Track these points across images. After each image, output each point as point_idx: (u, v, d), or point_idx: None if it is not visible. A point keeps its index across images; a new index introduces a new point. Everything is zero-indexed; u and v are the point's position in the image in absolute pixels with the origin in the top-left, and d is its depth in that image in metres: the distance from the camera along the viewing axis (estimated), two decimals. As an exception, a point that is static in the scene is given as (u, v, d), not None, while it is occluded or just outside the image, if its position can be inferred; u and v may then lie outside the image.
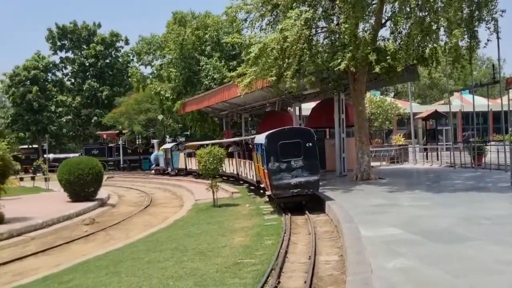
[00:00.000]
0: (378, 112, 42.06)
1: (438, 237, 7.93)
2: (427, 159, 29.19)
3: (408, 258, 6.67)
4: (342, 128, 23.36)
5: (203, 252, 10.15)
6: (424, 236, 8.07)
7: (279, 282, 7.28)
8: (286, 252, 9.20)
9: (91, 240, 14.72)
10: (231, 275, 7.89)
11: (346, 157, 23.25)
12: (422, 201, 12.62)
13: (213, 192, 18.79)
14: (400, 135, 40.00)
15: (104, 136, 52.28)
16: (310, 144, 13.71)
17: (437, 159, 27.80)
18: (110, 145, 52.46)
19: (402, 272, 5.92)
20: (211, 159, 18.10)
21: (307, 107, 31.48)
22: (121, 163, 50.99)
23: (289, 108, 38.61)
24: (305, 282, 7.12)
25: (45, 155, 60.61)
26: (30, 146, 62.37)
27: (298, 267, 8.22)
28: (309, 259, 8.48)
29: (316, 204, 14.70)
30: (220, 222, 14.40)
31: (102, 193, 26.96)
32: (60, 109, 58.46)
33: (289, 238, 10.52)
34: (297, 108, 28.32)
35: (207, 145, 35.28)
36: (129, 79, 45.13)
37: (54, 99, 58.60)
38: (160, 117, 43.64)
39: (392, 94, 71.06)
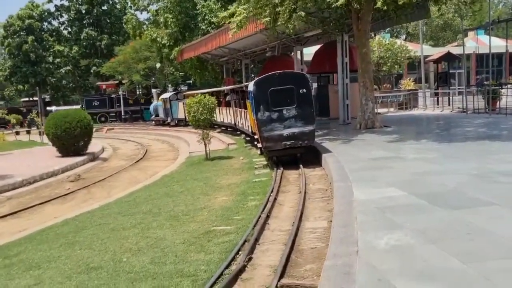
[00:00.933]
0: (387, 55, 39.92)
1: (445, 201, 6.55)
2: (437, 104, 27.45)
3: (406, 232, 5.32)
4: (346, 73, 21.61)
5: (177, 216, 8.95)
6: (429, 199, 6.69)
7: (250, 259, 6.05)
8: (267, 217, 7.96)
9: (69, 200, 13.66)
10: (197, 248, 6.68)
11: (350, 104, 21.66)
12: (429, 153, 11.17)
13: (205, 144, 17.53)
14: (409, 80, 38.01)
15: (104, 87, 50.72)
16: (304, 90, 12.15)
17: (448, 105, 26.07)
18: (111, 96, 51.08)
19: (396, 255, 4.59)
20: (201, 109, 16.66)
21: (311, 52, 29.54)
22: (123, 114, 49.80)
23: (292, 53, 36.84)
24: (280, 258, 5.88)
25: (47, 108, 59.91)
26: (31, 99, 61.24)
27: (278, 237, 6.97)
28: (293, 225, 7.21)
29: (313, 156, 13.37)
30: (207, 178, 13.19)
31: (96, 146, 25.95)
32: (58, 59, 56.72)
33: (275, 199, 9.26)
34: (299, 52, 26.46)
35: (205, 93, 34.09)
36: (125, 25, 42.85)
37: (52, 50, 56.76)
38: (158, 65, 41.85)
39: (403, 37, 67.90)
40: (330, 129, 19.13)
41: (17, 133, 36.49)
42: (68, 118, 21.39)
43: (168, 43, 36.43)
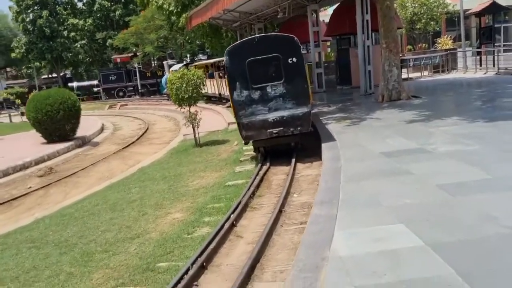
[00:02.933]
0: (422, 11, 35.47)
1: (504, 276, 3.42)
2: (480, 65, 23.34)
3: None
4: (367, 33, 18.01)
5: (91, 254, 6.21)
6: (469, 268, 3.57)
7: None
8: (203, 267, 5.05)
9: (15, 206, 11.18)
10: None
11: (372, 71, 18.14)
12: (468, 142, 7.84)
13: (193, 129, 14.68)
14: (447, 37, 33.49)
15: (118, 60, 48.27)
16: (294, 59, 8.94)
17: (493, 65, 21.98)
18: (128, 69, 48.74)
19: None
20: (185, 85, 13.72)
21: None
22: (139, 88, 47.50)
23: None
24: None
25: (69, 84, 58.42)
26: (50, 76, 59.90)
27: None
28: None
29: (314, 142, 10.25)
30: (179, 177, 10.38)
31: (93, 127, 23.69)
32: (73, 33, 54.50)
33: (233, 225, 6.32)
34: (314, 13, 22.83)
35: (212, 64, 31.03)
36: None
37: (66, 23, 54.58)
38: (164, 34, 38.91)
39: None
40: (346, 102, 15.79)
41: (23, 113, 34.65)
42: (49, 100, 18.86)
43: (175, 10, 33.31)
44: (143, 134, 21.71)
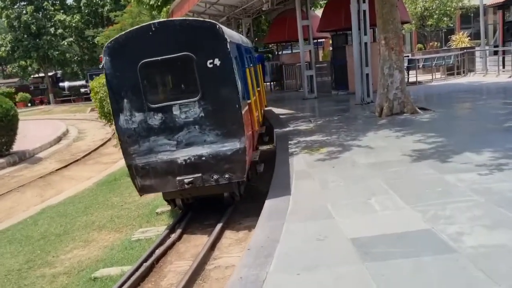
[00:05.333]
0: (434, 6, 31.65)
1: None
2: (503, 67, 19.55)
3: None
4: (365, 28, 14.37)
5: None
6: None
7: None
8: None
9: None
10: None
11: (371, 74, 14.47)
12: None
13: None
14: (463, 34, 29.57)
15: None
16: (217, 61, 5.36)
17: (520, 67, 18.21)
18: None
19: None
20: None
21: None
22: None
23: (312, 9, 29.33)
24: None
25: (60, 84, 55.36)
26: (38, 75, 56.78)
27: None
28: None
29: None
30: (59, 238, 6.92)
31: (49, 137, 20.40)
32: (60, 30, 51.23)
33: None
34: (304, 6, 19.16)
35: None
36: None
37: (53, 20, 51.36)
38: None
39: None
40: (334, 116, 12.15)
41: None
42: (-25, 108, 15.47)
43: (156, 3, 29.90)
44: (98, 148, 18.24)
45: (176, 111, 5.50)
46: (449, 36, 32.87)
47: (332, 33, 19.97)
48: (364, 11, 14.19)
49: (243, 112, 5.57)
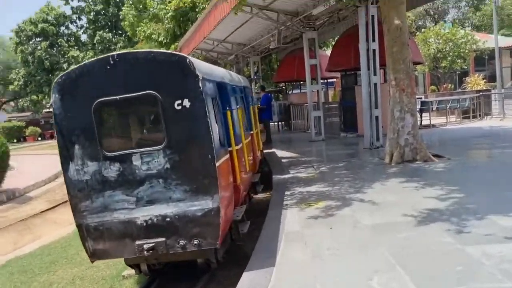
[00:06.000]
0: (448, 48, 30.95)
1: None
2: (522, 111, 18.53)
3: None
4: (374, 68, 13.55)
5: None
6: None
7: None
8: None
9: None
10: None
11: (381, 116, 13.53)
12: None
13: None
14: (478, 76, 28.68)
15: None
16: (187, 103, 4.43)
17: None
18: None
19: None
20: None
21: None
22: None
23: (323, 48, 28.85)
24: None
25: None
26: (49, 110, 56.94)
27: None
28: None
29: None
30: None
31: (46, 173, 19.65)
32: (73, 66, 51.60)
33: None
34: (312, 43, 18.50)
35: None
36: (122, 23, 36.73)
37: (66, 56, 51.87)
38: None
39: (468, 29, 57.18)
40: (339, 162, 11.12)
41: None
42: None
43: (165, 40, 29.73)
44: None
45: (136, 161, 4.57)
46: (463, 78, 32.05)
47: (342, 73, 19.20)
48: (374, 50, 13.42)
49: (218, 164, 4.61)
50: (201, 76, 4.51)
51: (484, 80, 28.65)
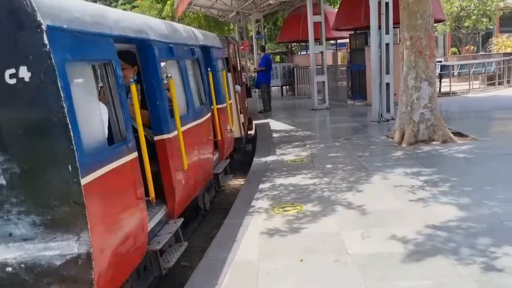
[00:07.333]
0: (472, 6, 28.10)
1: None
2: (558, 78, 16.12)
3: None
4: (386, 26, 11.31)
5: None
6: None
7: None
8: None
9: None
10: None
11: (392, 84, 11.40)
12: None
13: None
14: (507, 37, 25.91)
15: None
16: (27, 73, 2.43)
17: None
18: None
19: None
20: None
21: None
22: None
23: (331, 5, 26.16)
24: None
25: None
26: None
27: None
28: None
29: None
30: None
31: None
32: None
33: None
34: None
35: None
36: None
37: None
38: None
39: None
40: (338, 138, 9.13)
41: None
42: None
43: (161, -6, 27.55)
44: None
45: None
46: (489, 39, 29.24)
47: (351, 32, 16.87)
48: (387, 3, 11.15)
49: (90, 180, 2.60)
50: (49, 24, 2.47)
51: (512, 41, 25.90)
